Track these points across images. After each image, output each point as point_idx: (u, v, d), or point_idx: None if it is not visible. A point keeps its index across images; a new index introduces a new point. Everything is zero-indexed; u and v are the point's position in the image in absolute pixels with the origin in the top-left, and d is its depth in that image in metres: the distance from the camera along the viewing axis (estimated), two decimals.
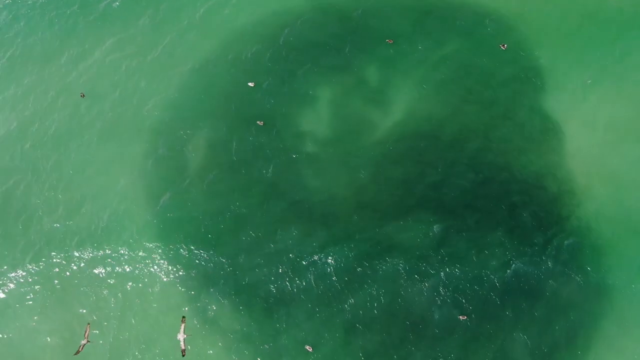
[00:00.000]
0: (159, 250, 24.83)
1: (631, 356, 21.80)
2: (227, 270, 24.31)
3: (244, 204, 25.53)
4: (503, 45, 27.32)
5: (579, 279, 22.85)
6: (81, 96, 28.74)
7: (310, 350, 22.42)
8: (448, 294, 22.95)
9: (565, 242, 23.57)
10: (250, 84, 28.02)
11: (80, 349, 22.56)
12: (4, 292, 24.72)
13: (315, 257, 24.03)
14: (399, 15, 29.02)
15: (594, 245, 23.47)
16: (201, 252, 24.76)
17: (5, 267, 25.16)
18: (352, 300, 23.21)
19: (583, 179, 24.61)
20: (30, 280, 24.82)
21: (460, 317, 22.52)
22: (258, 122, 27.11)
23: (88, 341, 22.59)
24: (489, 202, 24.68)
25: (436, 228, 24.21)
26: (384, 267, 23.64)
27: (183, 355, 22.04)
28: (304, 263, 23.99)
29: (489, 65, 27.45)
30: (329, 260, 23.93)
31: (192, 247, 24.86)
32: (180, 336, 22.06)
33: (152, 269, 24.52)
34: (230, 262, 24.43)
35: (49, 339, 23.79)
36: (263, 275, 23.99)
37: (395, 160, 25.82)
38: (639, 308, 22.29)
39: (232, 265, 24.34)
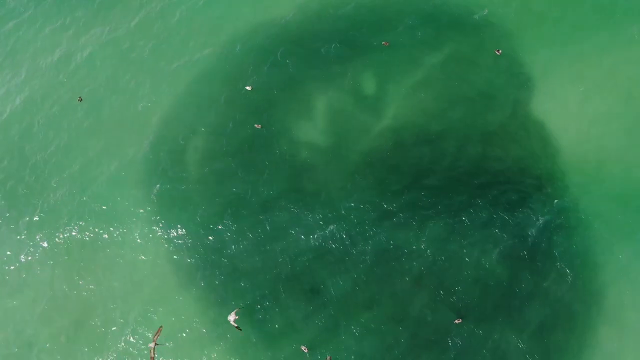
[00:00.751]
0: (154, 236, 25.61)
1: (618, 338, 22.44)
2: (223, 258, 25.02)
3: (238, 197, 26.08)
4: (498, 51, 27.56)
5: (568, 273, 23.31)
6: (79, 100, 28.89)
7: (306, 351, 22.79)
8: (442, 293, 23.36)
9: (553, 235, 24.08)
10: (248, 88, 28.19)
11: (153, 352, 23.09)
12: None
13: (305, 252, 24.59)
14: (395, 18, 29.25)
15: (578, 235, 24.06)
16: (196, 241, 25.46)
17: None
18: (345, 302, 23.67)
19: (566, 170, 25.20)
20: (26, 263, 25.95)
21: (456, 321, 22.74)
22: (256, 125, 27.38)
23: (157, 344, 23.01)
24: (476, 192, 25.19)
25: (421, 218, 24.82)
26: (375, 267, 24.12)
27: (240, 330, 23.15)
28: (294, 256, 24.57)
29: (482, 65, 27.83)
30: (320, 254, 24.51)
31: (188, 235, 25.54)
32: (232, 317, 23.10)
33: (147, 255, 25.34)
34: (224, 249, 25.15)
35: (45, 319, 24.85)
36: (255, 265, 24.64)
37: (386, 157, 26.30)
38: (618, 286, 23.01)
39: (225, 255, 25.09)
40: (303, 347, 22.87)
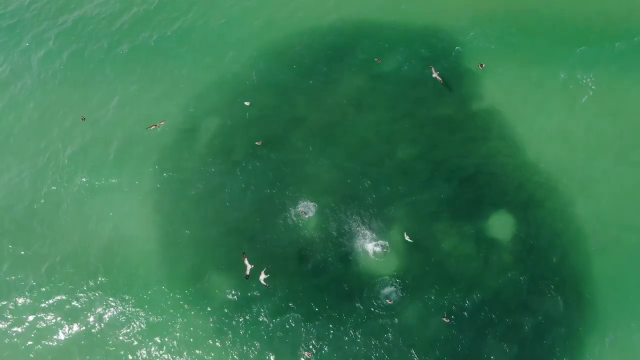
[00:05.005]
0: (154, 227, 27.14)
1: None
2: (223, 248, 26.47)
3: (240, 194, 27.54)
4: (481, 65, 28.99)
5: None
6: (82, 119, 29.52)
7: (309, 356, 23.67)
8: (432, 299, 24.32)
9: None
10: (247, 103, 29.12)
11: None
12: None
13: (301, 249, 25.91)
14: (387, 37, 30.57)
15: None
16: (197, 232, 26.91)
17: None
18: (338, 308, 24.75)
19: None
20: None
21: (444, 319, 23.45)
22: (257, 142, 28.38)
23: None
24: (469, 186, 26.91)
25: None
26: (369, 273, 25.35)
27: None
28: (288, 255, 25.85)
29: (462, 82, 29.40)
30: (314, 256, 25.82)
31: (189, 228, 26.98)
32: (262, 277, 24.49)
33: (146, 244, 26.76)
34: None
35: None
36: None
37: (375, 163, 27.68)
38: None
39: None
40: (306, 354, 23.79)
